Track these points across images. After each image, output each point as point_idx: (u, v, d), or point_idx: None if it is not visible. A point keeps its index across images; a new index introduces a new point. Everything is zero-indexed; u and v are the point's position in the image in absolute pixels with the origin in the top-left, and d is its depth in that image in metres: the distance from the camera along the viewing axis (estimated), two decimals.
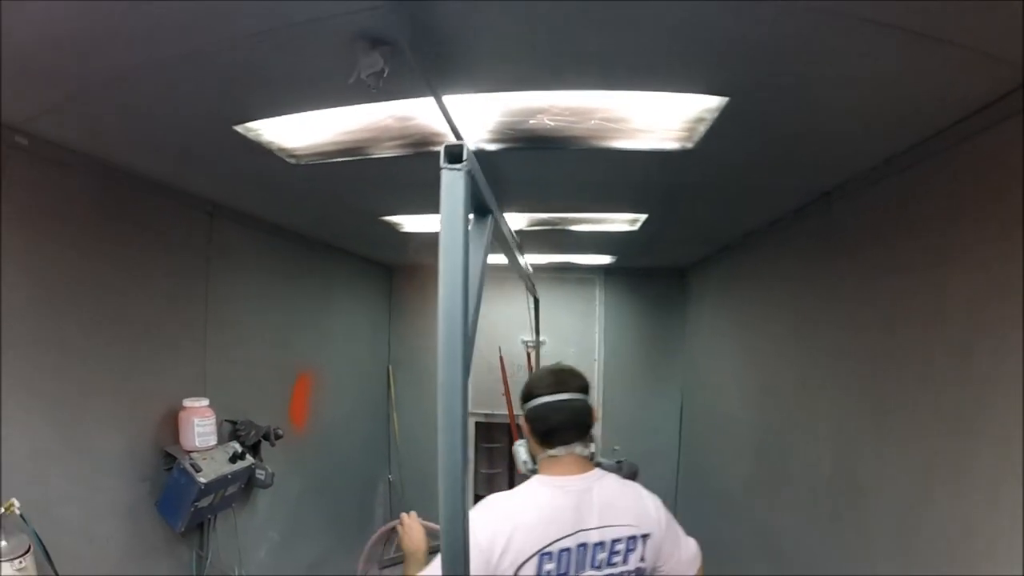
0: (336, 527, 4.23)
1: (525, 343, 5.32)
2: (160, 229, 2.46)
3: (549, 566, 1.16)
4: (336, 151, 2.16)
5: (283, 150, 2.22)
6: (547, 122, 1.80)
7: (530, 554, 1.15)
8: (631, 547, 1.22)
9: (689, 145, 1.84)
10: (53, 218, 1.93)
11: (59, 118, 1.73)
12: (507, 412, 4.32)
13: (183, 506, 2.24)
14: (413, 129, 1.98)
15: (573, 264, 4.82)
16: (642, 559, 1.23)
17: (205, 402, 2.51)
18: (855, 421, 2.04)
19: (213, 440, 2.47)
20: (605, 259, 4.51)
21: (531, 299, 3.52)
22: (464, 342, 0.81)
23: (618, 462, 1.52)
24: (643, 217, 2.93)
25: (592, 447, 1.30)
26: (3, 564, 1.45)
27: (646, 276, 5.10)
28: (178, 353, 2.55)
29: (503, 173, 2.31)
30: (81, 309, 2.03)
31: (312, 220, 3.30)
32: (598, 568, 1.20)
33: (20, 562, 1.47)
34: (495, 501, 1.26)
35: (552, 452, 1.27)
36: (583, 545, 1.19)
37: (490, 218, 1.09)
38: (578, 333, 5.15)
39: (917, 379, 1.69)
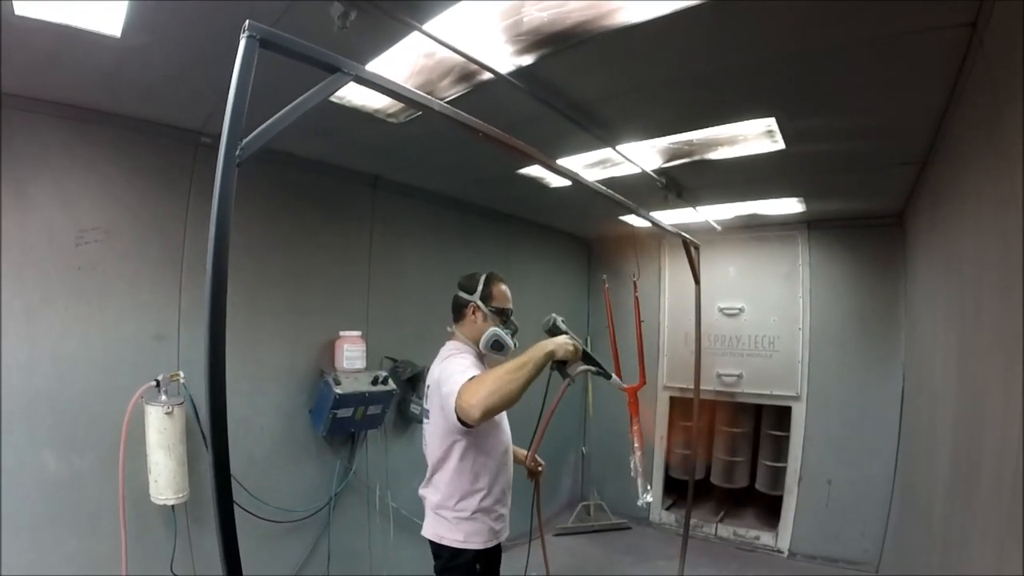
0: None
1: (722, 311, 4.78)
2: (328, 199, 3.11)
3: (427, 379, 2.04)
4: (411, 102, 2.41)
5: (378, 111, 2.59)
6: (537, 13, 1.71)
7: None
8: (428, 392, 1.97)
9: None
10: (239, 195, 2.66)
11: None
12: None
13: (324, 412, 2.78)
14: (448, 63, 2.09)
15: (763, 217, 4.13)
16: (427, 401, 1.97)
17: (357, 333, 3.06)
18: None
19: (359, 364, 2.99)
20: (793, 204, 3.75)
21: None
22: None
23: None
24: (773, 123, 2.42)
25: (460, 328, 2.08)
26: (159, 407, 2.10)
27: (856, 227, 4.05)
28: (343, 299, 3.18)
29: (579, 96, 2.24)
30: (255, 259, 2.75)
31: (456, 183, 3.61)
32: (427, 389, 1.98)
33: (170, 408, 2.11)
34: None
35: None
36: (432, 374, 1.97)
37: (338, 74, 1.17)
38: (780, 300, 4.37)
39: None
